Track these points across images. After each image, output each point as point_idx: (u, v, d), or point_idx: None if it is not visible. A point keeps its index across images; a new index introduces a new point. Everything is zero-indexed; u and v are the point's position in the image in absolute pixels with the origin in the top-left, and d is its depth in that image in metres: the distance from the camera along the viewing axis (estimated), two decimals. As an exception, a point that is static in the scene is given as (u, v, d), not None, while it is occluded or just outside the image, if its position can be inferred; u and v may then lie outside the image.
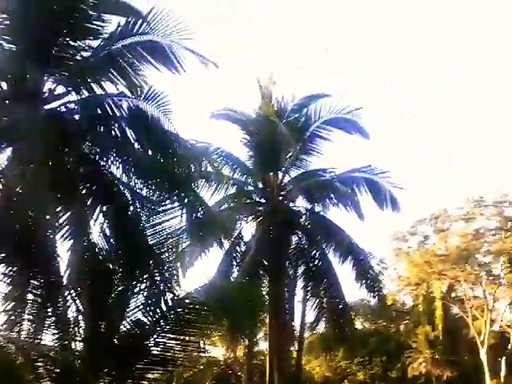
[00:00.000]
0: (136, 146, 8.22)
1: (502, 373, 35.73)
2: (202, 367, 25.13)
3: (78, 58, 9.04)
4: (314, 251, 13.25)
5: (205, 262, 12.34)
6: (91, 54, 9.07)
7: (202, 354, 25.90)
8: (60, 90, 8.70)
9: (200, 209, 8.03)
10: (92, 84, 8.84)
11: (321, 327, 13.51)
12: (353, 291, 17.02)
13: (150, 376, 8.09)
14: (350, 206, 12.38)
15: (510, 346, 36.67)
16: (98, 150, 8.59)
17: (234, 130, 14.05)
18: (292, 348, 17.26)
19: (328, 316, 12.94)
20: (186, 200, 7.96)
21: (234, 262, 12.98)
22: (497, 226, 40.72)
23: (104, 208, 8.42)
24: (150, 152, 8.18)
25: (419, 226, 44.41)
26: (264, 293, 13.13)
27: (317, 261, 13.12)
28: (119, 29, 8.92)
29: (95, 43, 9.05)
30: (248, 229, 13.86)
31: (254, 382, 20.82)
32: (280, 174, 13.85)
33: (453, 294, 43.05)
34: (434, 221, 43.33)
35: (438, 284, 41.43)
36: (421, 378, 38.57)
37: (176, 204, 7.97)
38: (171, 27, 8.91)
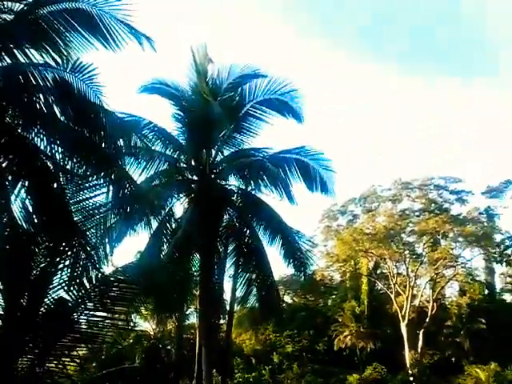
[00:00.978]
0: (62, 119, 7.92)
1: (420, 344, 38.16)
2: (131, 341, 25.07)
3: (-1, 20, 8.55)
4: (245, 229, 13.42)
5: (135, 239, 12.23)
6: (14, 18, 8.58)
7: (131, 329, 25.91)
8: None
9: (127, 185, 7.89)
10: (15, 50, 8.42)
11: (250, 302, 13.77)
12: (283, 267, 17.39)
13: (75, 353, 7.98)
14: (280, 187, 12.56)
15: (427, 320, 39.04)
16: (21, 122, 8.21)
17: (166, 104, 13.78)
18: (222, 321, 17.59)
19: (256, 291, 13.22)
20: (112, 176, 7.79)
21: (165, 239, 12.90)
22: (421, 208, 42.94)
23: (26, 182, 8.10)
24: (76, 126, 7.90)
25: (349, 206, 46.07)
26: (194, 269, 13.26)
27: (247, 238, 13.32)
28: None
29: (18, 7, 8.57)
30: (180, 206, 13.78)
31: (184, 356, 21.02)
32: (213, 152, 13.81)
33: (378, 271, 45.20)
34: (364, 201, 45.05)
35: (365, 261, 43.32)
36: (346, 350, 40.33)
37: (102, 180, 7.81)
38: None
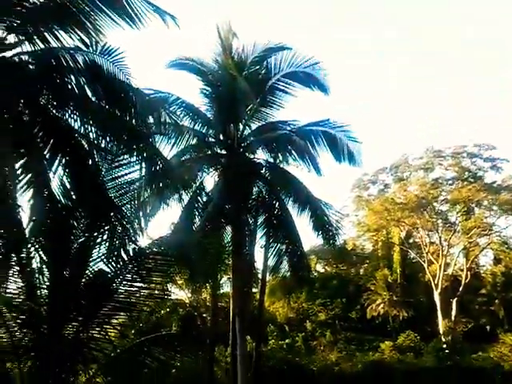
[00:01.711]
0: (93, 99, 8.26)
1: (453, 313, 38.13)
2: (168, 310, 25.93)
3: (29, 4, 8.84)
4: (274, 201, 13.69)
5: (168, 213, 12.65)
6: (43, 2, 8.88)
7: (167, 298, 26.79)
8: (12, 39, 8.56)
9: (158, 161, 8.22)
10: (46, 34, 8.73)
11: (281, 272, 14.14)
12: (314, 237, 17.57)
13: (114, 321, 8.50)
14: (307, 160, 12.74)
15: (461, 289, 38.88)
16: (55, 103, 8.59)
17: (194, 80, 14.00)
18: (255, 290, 18.11)
19: (287, 261, 13.56)
20: (144, 153, 8.13)
21: (196, 212, 13.29)
22: (454, 176, 42.21)
23: (63, 160, 8.53)
24: (107, 106, 8.24)
25: (380, 175, 45.65)
26: (226, 241, 13.67)
27: (276, 210, 13.59)
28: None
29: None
30: (210, 180, 14.12)
31: (218, 323, 21.75)
32: (241, 126, 14.02)
33: (410, 240, 44.98)
34: (395, 170, 44.54)
35: (397, 231, 43.13)
36: (379, 318, 40.68)
37: (134, 158, 8.15)
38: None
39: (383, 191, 45.47)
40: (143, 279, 7.79)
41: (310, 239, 40.59)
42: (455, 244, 42.29)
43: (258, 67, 14.27)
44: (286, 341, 31.01)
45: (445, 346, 30.41)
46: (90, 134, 8.60)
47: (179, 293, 27.12)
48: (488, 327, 39.40)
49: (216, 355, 22.01)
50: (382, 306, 40.01)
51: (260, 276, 16.45)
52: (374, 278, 42.00)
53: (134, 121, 8.25)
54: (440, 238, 41.60)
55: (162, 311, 25.37)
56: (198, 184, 13.42)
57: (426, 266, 40.37)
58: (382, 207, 40.12)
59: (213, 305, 18.32)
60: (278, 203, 13.65)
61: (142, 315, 20.96)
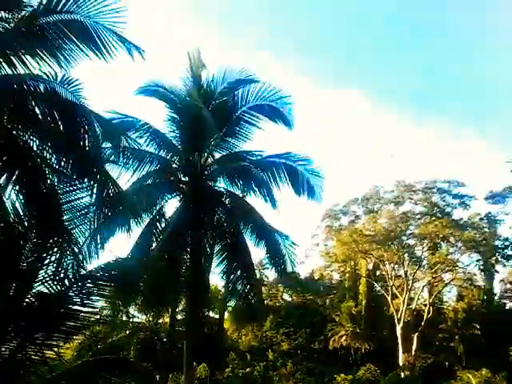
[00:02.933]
0: (52, 124, 8.49)
1: (414, 348, 38.56)
2: (127, 333, 25.73)
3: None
4: (232, 229, 13.92)
5: (126, 238, 12.73)
6: (13, 27, 9.15)
7: (130, 321, 26.47)
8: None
9: (111, 187, 8.44)
10: (12, 58, 8.99)
11: (235, 300, 14.28)
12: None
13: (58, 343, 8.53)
14: (263, 191, 13.01)
15: (423, 324, 39.40)
16: (15, 125, 8.80)
17: (160, 106, 14.28)
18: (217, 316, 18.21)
19: (241, 289, 13.73)
20: (97, 178, 8.35)
21: (154, 238, 13.46)
22: (423, 211, 43.15)
23: (18, 180, 8.69)
24: (64, 131, 8.47)
25: (352, 206, 46.47)
26: (182, 266, 13.82)
27: (234, 238, 13.81)
28: (43, 3, 9.04)
29: (17, 17, 9.13)
30: (171, 205, 14.31)
31: (177, 348, 21.63)
32: (205, 155, 14.31)
33: (377, 273, 45.59)
34: (366, 202, 45.40)
35: (364, 262, 43.75)
36: (341, 350, 40.83)
37: (86, 183, 8.37)
38: (99, 8, 9.15)
39: (354, 222, 46.21)
40: (84, 303, 7.89)
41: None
42: (420, 278, 43.01)
43: (226, 97, 14.64)
44: (247, 369, 30.94)
45: (402, 381, 30.66)
46: (47, 155, 8.81)
47: (142, 316, 27.02)
48: (447, 363, 39.84)
49: (170, 382, 21.92)
50: (344, 337, 40.24)
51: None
52: (339, 309, 42.33)
53: (89, 146, 8.46)
54: (406, 272, 42.28)
55: (122, 334, 25.20)
56: (158, 209, 13.62)
57: (390, 299, 40.89)
58: (350, 238, 40.70)
59: (170, 330, 18.29)
60: (235, 231, 13.89)
61: (97, 338, 20.88)
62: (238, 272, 13.48)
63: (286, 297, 48.63)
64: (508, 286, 49.20)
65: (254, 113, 14.33)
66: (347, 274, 46.80)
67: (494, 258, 40.89)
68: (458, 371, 34.92)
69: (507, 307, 46.99)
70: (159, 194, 13.51)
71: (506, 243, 40.38)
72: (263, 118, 14.44)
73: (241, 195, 13.81)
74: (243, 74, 14.40)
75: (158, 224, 13.54)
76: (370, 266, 44.65)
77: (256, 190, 13.00)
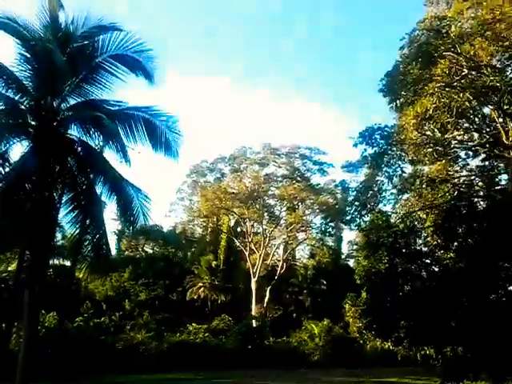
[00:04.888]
0: None
1: (266, 299, 41.38)
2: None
3: None
4: (83, 179, 13.56)
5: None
6: None
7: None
8: None
9: None
10: None
11: (85, 251, 14.03)
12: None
13: None
14: (117, 145, 12.76)
15: (276, 278, 42.27)
16: None
17: (11, 43, 13.13)
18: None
19: (90, 241, 13.56)
20: None
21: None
22: (285, 174, 45.56)
23: None
24: None
25: (218, 164, 47.46)
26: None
27: (85, 189, 13.47)
28: None
29: None
30: (18, 149, 13.42)
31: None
32: (58, 99, 13.56)
33: (238, 229, 47.52)
34: (233, 161, 46.62)
35: (226, 219, 45.27)
36: (198, 301, 42.25)
37: None
38: None
39: (219, 180, 47.34)
40: None
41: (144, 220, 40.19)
42: (277, 236, 45.86)
43: (86, 42, 13.85)
44: (102, 319, 30.71)
45: (251, 329, 32.71)
46: None
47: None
48: (295, 314, 43.39)
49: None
50: (202, 289, 41.66)
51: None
52: (199, 262, 43.50)
53: None
54: (264, 229, 44.70)
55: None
56: (1, 152, 12.73)
57: (247, 254, 43.10)
58: (214, 195, 41.77)
59: (15, 277, 17.48)
60: (87, 182, 13.56)
61: None
62: (87, 222, 13.27)
63: (148, 249, 48.73)
64: (355, 246, 54.23)
65: (114, 62, 13.73)
66: (209, 229, 48.10)
67: (342, 221, 44.65)
68: (304, 321, 37.97)
69: (351, 266, 51.98)
70: (3, 137, 12.61)
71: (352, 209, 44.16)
72: (124, 69, 13.95)
73: (94, 146, 13.43)
74: (106, 21, 13.67)
75: (0, 168, 12.72)
76: (232, 223, 46.33)
77: (108, 141, 12.74)
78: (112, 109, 13.83)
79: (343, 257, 52.43)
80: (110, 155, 13.46)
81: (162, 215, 49.33)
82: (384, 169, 20.90)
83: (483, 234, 15.58)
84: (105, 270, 16.55)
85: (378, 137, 20.38)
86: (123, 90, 14.71)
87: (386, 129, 20.55)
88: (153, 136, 13.86)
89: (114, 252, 48.60)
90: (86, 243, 13.80)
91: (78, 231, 13.53)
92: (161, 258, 45.30)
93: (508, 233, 14.65)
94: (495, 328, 13.80)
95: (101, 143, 13.24)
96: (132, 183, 13.61)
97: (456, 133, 20.91)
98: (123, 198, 13.18)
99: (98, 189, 13.40)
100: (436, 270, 17.58)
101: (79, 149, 13.43)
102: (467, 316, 15.02)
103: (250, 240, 43.53)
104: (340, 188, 46.22)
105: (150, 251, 48.79)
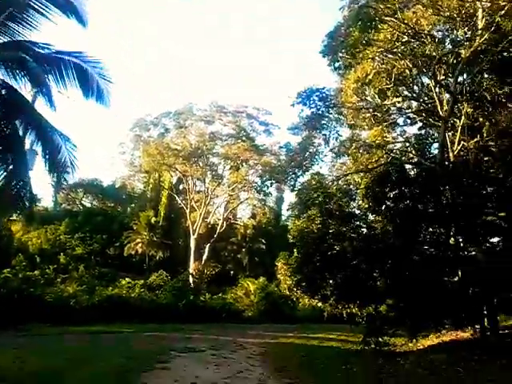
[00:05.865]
0: None
1: (205, 257, 41.66)
2: None
3: None
4: (6, 123, 12.84)
5: None
6: None
7: None
8: None
9: None
10: None
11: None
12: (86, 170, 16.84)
13: None
14: (42, 89, 12.14)
15: (215, 236, 42.52)
16: None
17: None
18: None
19: (10, 189, 12.95)
20: None
21: None
22: (230, 133, 45.24)
23: None
24: None
25: (163, 118, 46.35)
26: None
27: (7, 133, 12.78)
28: None
29: None
30: None
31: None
32: (-21, 37, 12.67)
33: (180, 187, 47.14)
34: (178, 116, 45.69)
35: (168, 175, 44.72)
36: (136, 257, 42.03)
37: None
38: None
39: (163, 135, 46.33)
40: None
41: (79, 173, 39.17)
42: (219, 195, 45.83)
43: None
44: (35, 272, 29.98)
45: (187, 285, 32.95)
46: None
47: None
48: (232, 272, 44.06)
49: None
50: (140, 245, 41.43)
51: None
52: (138, 218, 43.04)
53: None
54: (207, 188, 44.56)
55: None
56: None
57: (188, 212, 42.93)
58: (157, 150, 40.96)
59: None
60: (9, 126, 12.85)
61: None
62: (10, 168, 12.66)
63: (86, 203, 47.60)
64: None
65: (45, 2, 12.97)
66: (150, 185, 47.38)
67: (284, 183, 45.16)
68: (241, 279, 38.63)
69: (289, 227, 52.93)
70: None
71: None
72: (54, 10, 13.17)
73: (19, 89, 12.69)
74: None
75: None
76: (174, 180, 45.85)
77: (35, 85, 12.08)
78: (41, 51, 13.08)
79: (284, 218, 53.28)
80: (39, 101, 12.87)
81: (103, 169, 48.14)
82: (321, 131, 21.07)
83: (411, 199, 16.16)
84: (29, 220, 16.00)
85: (316, 98, 20.40)
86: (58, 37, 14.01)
87: (325, 91, 20.58)
88: (84, 82, 13.25)
89: (50, 205, 47.46)
90: (10, 192, 13.25)
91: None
92: (99, 213, 44.48)
93: (432, 198, 15.29)
94: (415, 287, 14.52)
95: (28, 88, 12.54)
96: (61, 131, 13.06)
97: (395, 99, 21.21)
98: (50, 146, 12.63)
99: (25, 136, 12.78)
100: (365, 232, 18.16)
101: (3, 91, 12.68)
102: (391, 276, 15.73)
103: (191, 198, 43.32)
104: (284, 150, 47.08)
105: (89, 205, 47.71)
